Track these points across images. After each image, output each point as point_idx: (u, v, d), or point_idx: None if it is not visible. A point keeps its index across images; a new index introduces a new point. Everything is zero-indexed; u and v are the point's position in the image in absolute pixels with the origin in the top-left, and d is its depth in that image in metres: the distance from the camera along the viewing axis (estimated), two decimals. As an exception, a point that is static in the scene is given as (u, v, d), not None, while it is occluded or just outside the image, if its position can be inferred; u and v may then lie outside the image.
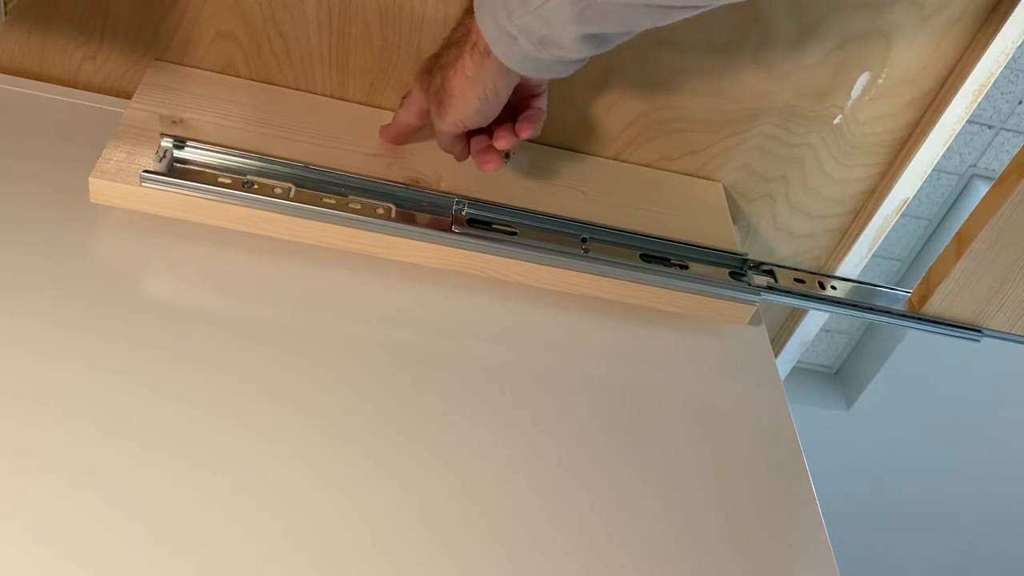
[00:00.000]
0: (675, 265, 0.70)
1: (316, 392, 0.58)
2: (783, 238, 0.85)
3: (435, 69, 0.63)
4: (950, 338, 0.76)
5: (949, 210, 1.30)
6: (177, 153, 0.65)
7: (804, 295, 0.73)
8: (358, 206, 0.66)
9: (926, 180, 0.80)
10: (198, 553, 0.49)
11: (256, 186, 0.65)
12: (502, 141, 0.65)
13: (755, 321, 0.72)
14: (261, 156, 0.66)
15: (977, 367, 1.38)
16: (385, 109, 0.75)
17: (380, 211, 0.66)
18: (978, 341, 0.76)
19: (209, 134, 0.67)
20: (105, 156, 0.64)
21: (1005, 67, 0.74)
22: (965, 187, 1.27)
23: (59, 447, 0.51)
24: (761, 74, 0.74)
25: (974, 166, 1.26)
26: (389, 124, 0.71)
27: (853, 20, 0.71)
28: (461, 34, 0.60)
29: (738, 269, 0.72)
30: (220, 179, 0.64)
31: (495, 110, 0.62)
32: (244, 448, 0.54)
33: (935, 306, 0.74)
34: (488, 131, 0.66)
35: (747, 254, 0.72)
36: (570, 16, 0.53)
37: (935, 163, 0.78)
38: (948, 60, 0.74)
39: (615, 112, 0.76)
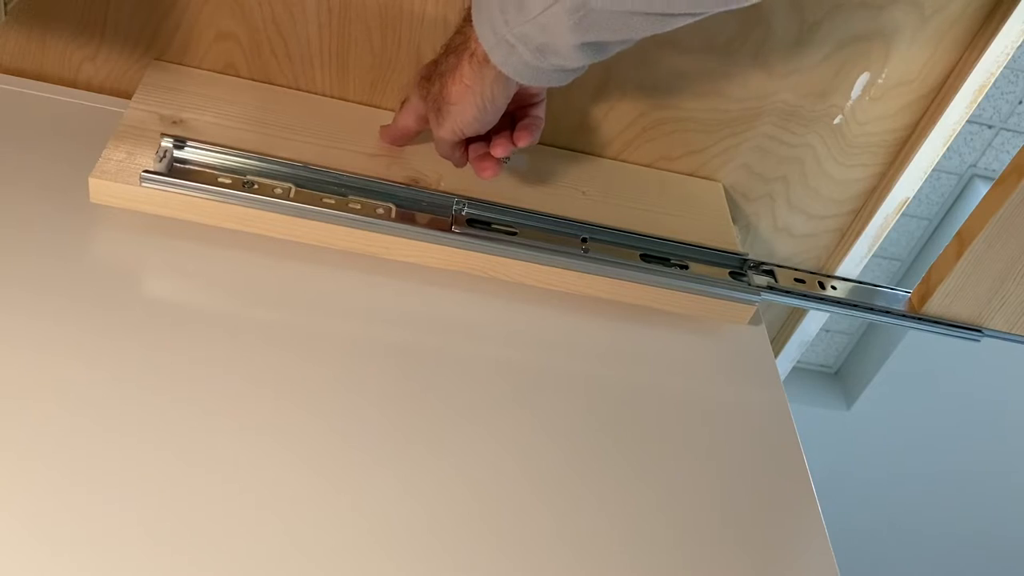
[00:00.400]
0: (675, 265, 0.70)
1: (316, 392, 0.58)
2: (783, 238, 0.85)
3: (433, 76, 0.63)
4: (950, 338, 0.76)
5: (949, 210, 1.30)
6: (177, 153, 0.65)
7: (804, 295, 0.73)
8: (358, 206, 0.66)
9: (926, 180, 0.80)
10: (198, 553, 0.49)
11: (256, 186, 0.65)
12: (499, 149, 0.65)
13: (755, 321, 0.72)
14: (261, 156, 0.66)
15: (977, 367, 1.38)
16: (385, 109, 0.75)
17: (380, 211, 0.66)
18: (978, 341, 0.76)
19: (209, 134, 0.67)
20: (105, 156, 0.64)
21: (1005, 67, 0.74)
22: (965, 187, 1.27)
23: (59, 446, 0.51)
24: (761, 74, 0.74)
25: (974, 166, 1.26)
26: (389, 125, 0.71)
27: (853, 20, 0.71)
28: (459, 42, 0.60)
29: (738, 269, 0.72)
30: (220, 179, 0.64)
31: (493, 118, 0.62)
32: (244, 447, 0.54)
33: (935, 306, 0.74)
34: (487, 138, 0.66)
35: (747, 254, 0.72)
36: (568, 25, 0.53)
37: (935, 163, 0.78)
38: (948, 60, 0.74)
39: (615, 112, 0.76)
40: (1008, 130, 1.22)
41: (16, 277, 0.59)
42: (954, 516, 1.61)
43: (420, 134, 0.70)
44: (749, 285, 0.70)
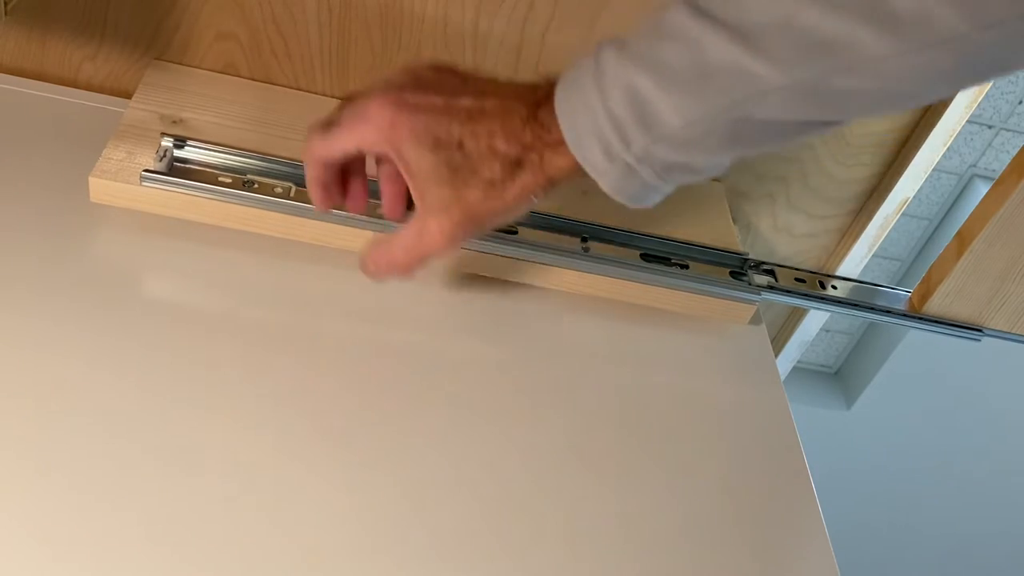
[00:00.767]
0: (676, 264, 0.70)
1: (317, 392, 0.58)
2: (783, 238, 0.85)
3: (468, 180, 0.50)
4: (950, 338, 0.76)
5: (949, 210, 1.30)
6: (177, 153, 0.65)
7: (804, 295, 0.73)
8: (358, 206, 0.66)
9: (926, 180, 0.80)
10: (198, 553, 0.49)
11: (256, 185, 0.65)
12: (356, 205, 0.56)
13: (755, 321, 0.72)
14: (261, 155, 0.66)
15: (977, 367, 1.38)
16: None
17: (379, 211, 0.66)
18: (978, 341, 0.76)
19: (209, 134, 0.67)
20: (105, 156, 0.64)
21: (1005, 67, 0.74)
22: (965, 187, 1.27)
23: (58, 445, 0.51)
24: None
25: (974, 166, 1.26)
26: (312, 179, 0.55)
27: (853, 20, 0.71)
28: (522, 158, 0.50)
29: (738, 268, 0.72)
30: (220, 178, 0.64)
31: None
32: (244, 447, 0.54)
33: (935, 306, 0.74)
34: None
35: (747, 254, 0.72)
36: (719, 138, 0.47)
37: (935, 163, 0.78)
38: (948, 60, 0.74)
39: (615, 112, 0.75)
40: (1008, 130, 1.22)
41: (16, 277, 0.58)
42: (954, 516, 1.61)
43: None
44: (749, 284, 0.70)
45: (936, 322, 0.75)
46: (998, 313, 0.75)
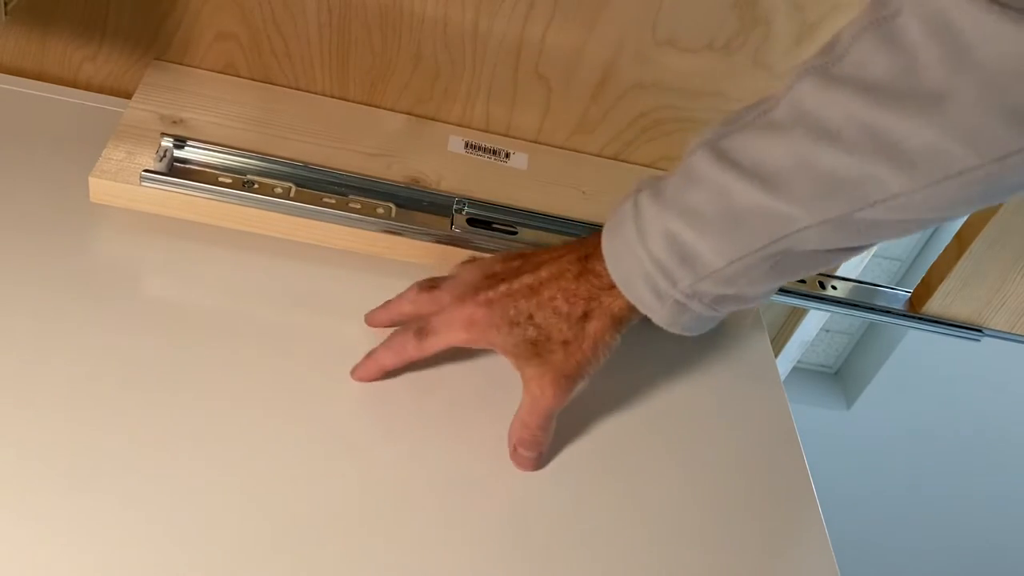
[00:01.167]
0: (675, 265, 0.70)
1: (317, 392, 0.58)
2: (783, 238, 0.85)
3: (548, 347, 0.54)
4: (950, 338, 0.76)
5: (949, 210, 1.29)
6: (177, 153, 0.65)
7: (804, 295, 0.73)
8: (358, 206, 0.66)
9: (926, 180, 0.80)
10: (199, 553, 0.49)
11: (256, 186, 0.65)
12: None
13: (755, 321, 0.72)
14: (261, 156, 0.66)
15: (977, 367, 1.38)
16: (385, 109, 0.75)
17: (380, 211, 0.66)
18: (978, 341, 0.76)
19: (209, 134, 0.67)
20: (105, 156, 0.64)
21: (1005, 67, 0.74)
22: (965, 187, 1.27)
23: (58, 445, 0.51)
24: (762, 74, 0.74)
25: (974, 166, 1.26)
26: (385, 308, 0.61)
27: (853, 20, 0.71)
28: (587, 310, 0.54)
29: (738, 269, 0.71)
30: (220, 179, 0.64)
31: None
32: (244, 447, 0.54)
33: (935, 306, 0.74)
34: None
35: (747, 254, 0.72)
36: (763, 271, 0.49)
37: (935, 163, 0.78)
38: (948, 60, 0.74)
39: (615, 112, 0.76)
40: (1008, 130, 1.22)
41: (16, 276, 0.58)
42: (954, 516, 1.61)
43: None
44: (749, 285, 0.70)
45: (936, 322, 0.75)
46: (998, 313, 0.75)
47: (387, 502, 0.54)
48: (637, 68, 0.73)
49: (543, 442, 0.57)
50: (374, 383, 0.59)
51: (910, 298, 0.76)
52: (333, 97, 0.75)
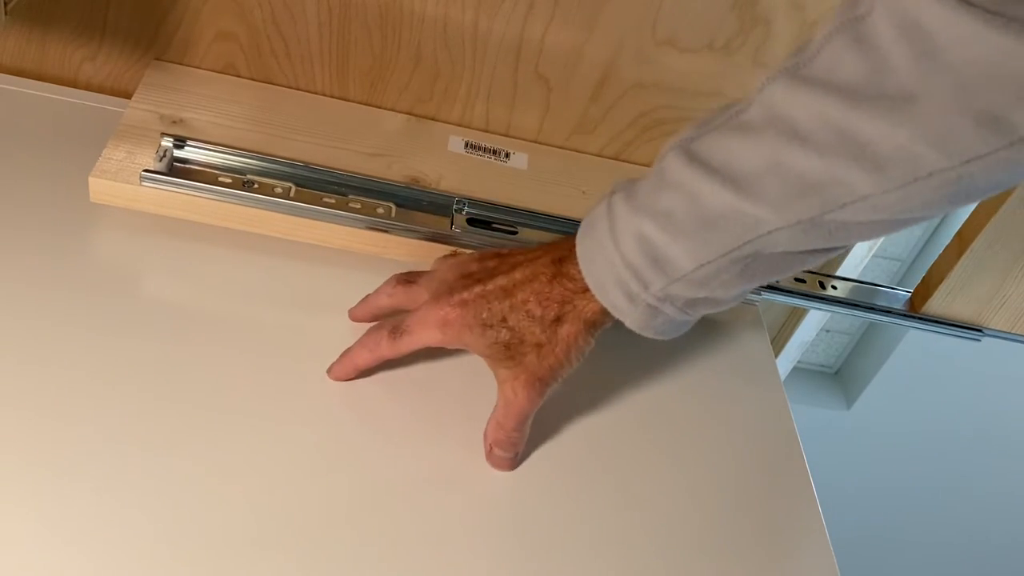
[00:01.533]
0: (675, 265, 0.70)
1: (317, 392, 0.58)
2: (783, 238, 0.85)
3: (521, 349, 0.54)
4: (950, 338, 0.76)
5: (949, 210, 1.29)
6: (177, 153, 0.65)
7: (804, 295, 0.73)
8: (358, 206, 0.66)
9: (926, 180, 0.80)
10: (199, 553, 0.49)
11: (256, 186, 0.65)
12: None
13: (755, 321, 0.72)
14: (261, 156, 0.66)
15: (977, 367, 1.38)
16: (385, 109, 0.75)
17: (380, 211, 0.66)
18: (979, 341, 0.76)
19: (209, 134, 0.67)
20: (105, 156, 0.64)
21: (1005, 67, 0.74)
22: (965, 187, 1.27)
23: (57, 448, 0.51)
24: (761, 74, 0.73)
25: (974, 166, 1.26)
26: (364, 304, 0.61)
27: (853, 20, 0.71)
28: (560, 314, 0.53)
29: (738, 269, 0.71)
30: (220, 179, 0.64)
31: None
32: (244, 447, 0.54)
33: (935, 306, 0.74)
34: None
35: (747, 254, 0.72)
36: (734, 274, 0.49)
37: (935, 163, 0.78)
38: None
39: (615, 112, 0.76)
40: (1008, 130, 1.22)
41: (16, 277, 0.58)
42: (954, 516, 1.61)
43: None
44: (749, 285, 0.70)
45: (936, 322, 0.75)
46: (998, 313, 0.75)
47: (387, 502, 0.54)
48: (637, 68, 0.73)
49: (518, 443, 0.57)
50: (374, 384, 0.59)
51: (910, 298, 0.76)
52: (333, 97, 0.75)
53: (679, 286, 0.50)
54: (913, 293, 0.76)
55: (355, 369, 0.58)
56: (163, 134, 0.65)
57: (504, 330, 0.54)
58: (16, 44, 0.72)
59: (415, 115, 0.75)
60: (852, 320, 1.42)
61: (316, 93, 0.75)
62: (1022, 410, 1.45)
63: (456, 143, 0.74)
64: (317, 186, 0.66)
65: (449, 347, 0.56)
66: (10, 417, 0.52)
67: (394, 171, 0.69)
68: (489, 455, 0.57)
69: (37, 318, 0.57)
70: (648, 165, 0.79)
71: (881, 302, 0.74)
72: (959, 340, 0.76)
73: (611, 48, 0.71)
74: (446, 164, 0.71)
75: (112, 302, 0.59)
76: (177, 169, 0.64)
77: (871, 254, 0.84)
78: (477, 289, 0.55)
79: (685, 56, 0.72)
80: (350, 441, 0.56)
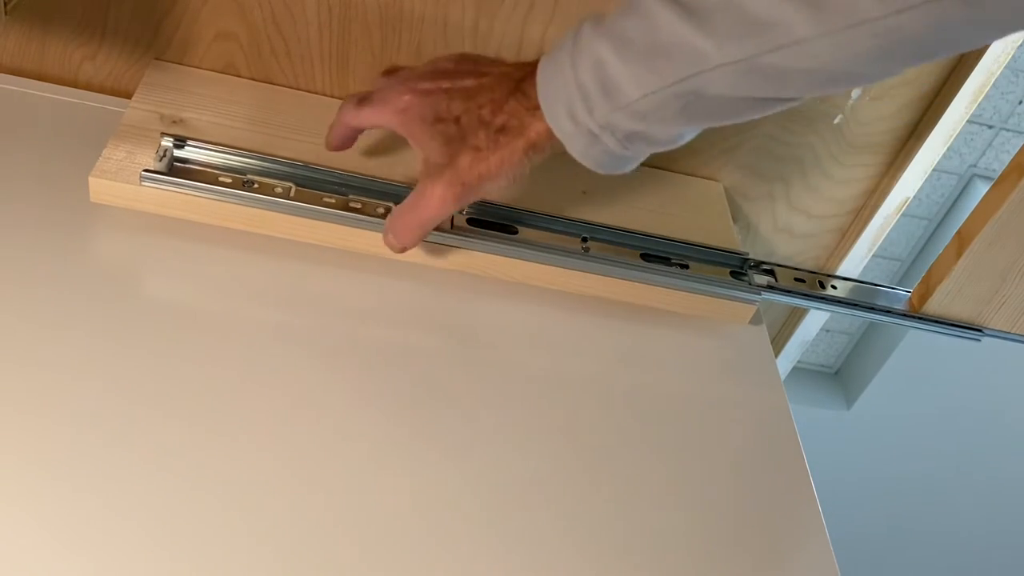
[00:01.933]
0: (676, 265, 0.70)
1: (317, 392, 0.58)
2: (783, 238, 0.85)
3: (460, 148, 0.56)
4: (950, 338, 0.76)
5: (949, 210, 1.30)
6: (177, 152, 0.65)
7: (804, 294, 0.73)
8: (359, 206, 0.66)
9: (926, 180, 0.80)
10: (199, 555, 0.49)
11: (256, 185, 0.65)
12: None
13: (755, 321, 0.72)
14: (261, 155, 0.66)
15: (977, 367, 1.38)
16: (385, 109, 0.75)
17: (380, 211, 0.66)
18: (979, 341, 0.76)
19: (209, 133, 0.67)
20: (105, 156, 0.64)
21: (1005, 67, 0.74)
22: (965, 187, 1.27)
23: (57, 449, 0.51)
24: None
25: (974, 166, 1.26)
26: (334, 129, 0.64)
27: (853, 20, 0.71)
28: (507, 124, 0.55)
29: (739, 268, 0.72)
30: (220, 178, 0.64)
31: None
32: (245, 448, 0.54)
33: (935, 306, 0.74)
34: None
35: (748, 253, 0.72)
36: (673, 111, 0.50)
37: (935, 163, 0.78)
38: (948, 60, 0.74)
39: (615, 112, 0.75)
40: (1008, 130, 1.22)
41: (16, 277, 0.58)
42: (954, 516, 1.61)
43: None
44: (750, 284, 0.70)
45: (936, 322, 0.75)
46: (998, 313, 0.75)
47: (387, 501, 0.54)
48: (637, 68, 0.73)
49: (409, 240, 0.60)
50: (375, 385, 0.59)
51: (910, 298, 0.76)
52: (333, 97, 0.75)
53: (621, 115, 0.51)
54: (913, 293, 0.76)
55: (333, 137, 0.64)
56: (163, 134, 0.65)
57: (453, 126, 0.56)
58: (16, 44, 0.72)
59: (415, 115, 0.75)
60: (852, 320, 1.42)
61: (316, 93, 0.75)
62: (1022, 410, 1.45)
63: (456, 143, 0.74)
64: (317, 186, 0.66)
65: (399, 133, 0.59)
66: (10, 417, 0.52)
67: (394, 171, 0.69)
68: (385, 236, 0.61)
69: (37, 317, 0.57)
70: (648, 165, 0.79)
71: (881, 302, 0.74)
72: (959, 340, 0.77)
73: (611, 48, 0.71)
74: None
75: (112, 302, 0.59)
76: (177, 169, 0.64)
77: (871, 254, 0.84)
78: (444, 84, 0.57)
79: (685, 56, 0.72)
80: (351, 440, 0.56)
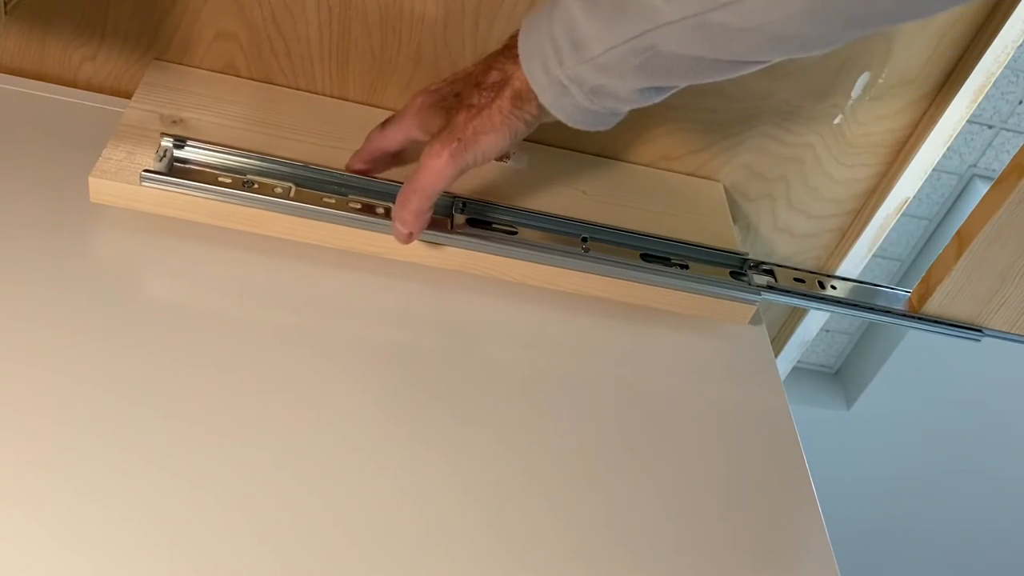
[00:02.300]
0: (676, 265, 0.70)
1: (317, 392, 0.58)
2: (783, 238, 0.85)
3: (457, 109, 0.58)
4: (950, 338, 0.76)
5: (949, 210, 1.30)
6: (177, 153, 0.65)
7: (804, 295, 0.73)
8: (358, 206, 0.66)
9: (926, 180, 0.80)
10: (199, 555, 0.49)
11: (256, 186, 0.65)
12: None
13: (755, 321, 0.72)
14: (261, 156, 0.66)
15: (977, 367, 1.38)
16: (385, 109, 0.75)
17: (380, 211, 0.66)
18: (978, 341, 0.76)
19: (209, 134, 0.67)
20: (105, 156, 0.64)
21: (1005, 67, 0.74)
22: (965, 187, 1.28)
23: (57, 449, 0.51)
24: (761, 74, 0.73)
25: (974, 166, 1.26)
26: (360, 152, 0.67)
27: (853, 20, 0.71)
28: (496, 79, 0.57)
29: (738, 269, 0.72)
30: (220, 179, 0.64)
31: (510, 147, 0.61)
32: (245, 448, 0.54)
33: (935, 306, 0.74)
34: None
35: (747, 254, 0.72)
36: (632, 66, 0.52)
37: (935, 163, 0.78)
38: (948, 60, 0.74)
39: (615, 112, 0.75)
40: (1008, 130, 1.23)
41: (15, 277, 0.58)
42: (954, 516, 1.61)
43: (395, 160, 0.67)
44: (749, 284, 0.70)
45: (936, 322, 0.75)
46: (998, 313, 0.75)
47: (391, 503, 0.54)
48: (637, 68, 0.73)
49: (414, 224, 0.61)
50: (375, 385, 0.59)
51: (910, 298, 0.76)
52: (333, 97, 0.75)
53: (586, 68, 0.53)
54: (913, 293, 0.76)
55: (361, 158, 0.66)
56: (163, 134, 0.65)
57: (453, 99, 0.59)
58: (16, 44, 0.72)
59: (415, 115, 0.75)
60: (852, 320, 1.42)
61: (316, 93, 0.75)
62: (1022, 410, 1.45)
63: (456, 143, 0.74)
64: (317, 186, 0.66)
65: (423, 137, 0.61)
66: (10, 417, 0.52)
67: (394, 171, 0.69)
68: (392, 227, 0.62)
69: (37, 318, 0.57)
70: (648, 165, 0.79)
71: (881, 302, 0.74)
72: (959, 340, 0.76)
73: (611, 48, 0.71)
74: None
75: (112, 302, 0.59)
76: (177, 169, 0.64)
77: (871, 254, 0.84)
78: (449, 78, 0.61)
79: (685, 56, 0.72)
80: (351, 440, 0.56)
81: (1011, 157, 0.74)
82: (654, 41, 0.51)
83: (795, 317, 0.91)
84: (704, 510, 0.59)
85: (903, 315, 0.74)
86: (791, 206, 0.83)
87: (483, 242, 0.66)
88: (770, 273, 0.73)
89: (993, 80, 0.73)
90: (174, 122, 0.68)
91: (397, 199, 0.61)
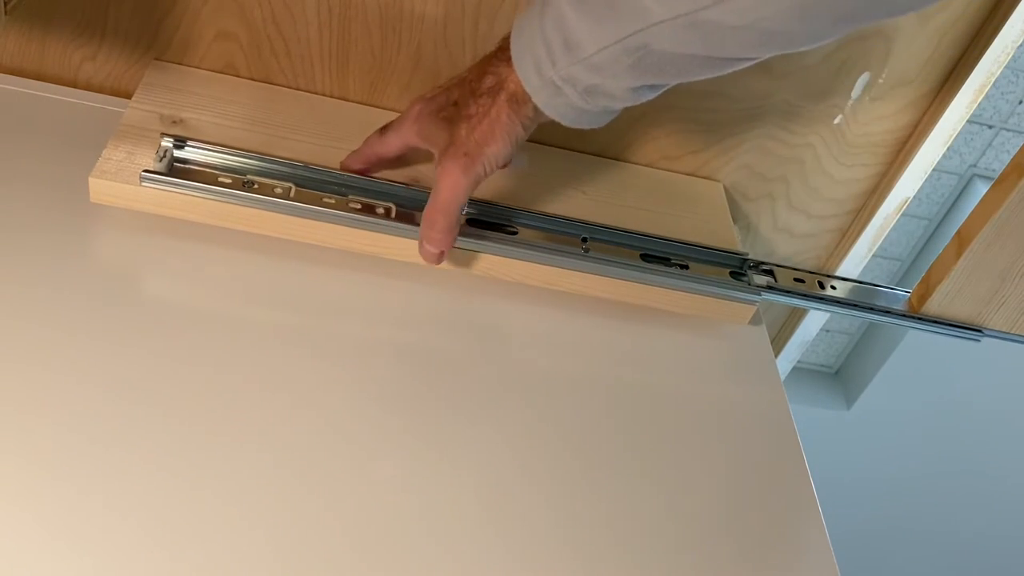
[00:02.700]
0: (675, 265, 0.70)
1: (317, 392, 0.58)
2: (783, 238, 0.85)
3: (457, 120, 0.58)
4: (950, 338, 0.76)
5: (949, 210, 1.30)
6: (177, 153, 0.65)
7: (804, 295, 0.73)
8: (358, 206, 0.66)
9: (926, 180, 0.80)
10: (199, 556, 0.49)
11: (256, 186, 0.65)
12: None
13: (755, 321, 0.72)
14: (261, 156, 0.66)
15: (977, 367, 1.38)
16: (385, 109, 0.75)
17: (380, 211, 0.66)
18: (978, 341, 0.76)
19: (209, 134, 0.67)
20: (105, 156, 0.64)
21: (1005, 67, 0.74)
22: (965, 187, 1.28)
23: (57, 449, 0.51)
24: (761, 74, 0.74)
25: (974, 166, 1.26)
26: (357, 153, 0.67)
27: (853, 20, 0.71)
28: (491, 84, 0.57)
29: (738, 269, 0.71)
30: (220, 179, 0.64)
31: (515, 152, 0.61)
32: (245, 448, 0.54)
33: (935, 306, 0.74)
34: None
35: (747, 254, 0.72)
36: (625, 65, 0.52)
37: (935, 163, 0.78)
38: (948, 60, 0.74)
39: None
40: (1008, 130, 1.23)
41: (15, 277, 0.59)
42: (954, 516, 1.61)
43: (392, 165, 0.68)
44: (749, 285, 0.70)
45: (935, 322, 0.75)
46: (997, 313, 0.75)
47: (390, 503, 0.54)
48: (637, 68, 0.73)
49: (442, 241, 0.61)
50: (375, 385, 0.59)
51: (910, 298, 0.76)
52: (333, 97, 0.75)
53: (580, 69, 0.53)
54: (912, 293, 0.76)
55: (358, 159, 0.66)
56: (163, 134, 0.65)
57: (451, 108, 0.59)
58: (16, 44, 0.72)
59: (415, 115, 0.75)
60: (852, 320, 1.42)
61: (316, 93, 0.75)
62: (1022, 410, 1.45)
63: (456, 143, 0.74)
64: (317, 186, 0.66)
65: (421, 144, 0.62)
66: (10, 417, 0.52)
67: (394, 171, 0.69)
68: (420, 248, 0.62)
69: (37, 318, 0.57)
70: (648, 165, 0.79)
71: (881, 302, 0.74)
72: (959, 340, 0.76)
73: (611, 48, 0.71)
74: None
75: (112, 302, 0.59)
76: (177, 169, 0.64)
77: (871, 254, 0.84)
78: (443, 85, 0.61)
79: (685, 56, 0.72)
80: (351, 440, 0.56)
81: (1011, 157, 0.74)
82: (646, 40, 0.51)
83: (795, 317, 0.91)
84: (704, 510, 0.59)
85: (903, 315, 0.74)
86: (791, 206, 0.83)
87: (483, 242, 0.66)
88: (770, 273, 0.73)
89: (993, 80, 0.73)
90: (174, 122, 0.68)
91: (422, 224, 0.62)
